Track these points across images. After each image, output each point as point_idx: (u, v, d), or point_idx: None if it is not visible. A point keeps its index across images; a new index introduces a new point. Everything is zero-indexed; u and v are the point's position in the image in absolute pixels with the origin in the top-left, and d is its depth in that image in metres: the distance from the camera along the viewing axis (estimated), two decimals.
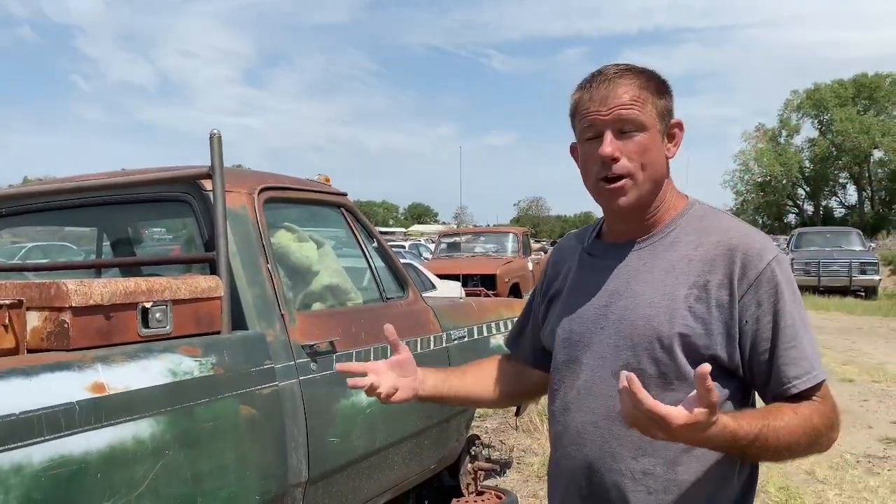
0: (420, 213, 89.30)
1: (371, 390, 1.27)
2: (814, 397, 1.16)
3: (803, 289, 16.22)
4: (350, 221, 2.92)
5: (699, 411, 0.99)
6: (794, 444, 1.12)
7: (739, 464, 1.20)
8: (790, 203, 47.76)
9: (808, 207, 47.60)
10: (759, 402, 1.26)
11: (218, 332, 2.07)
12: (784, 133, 45.64)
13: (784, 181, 43.80)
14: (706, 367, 0.95)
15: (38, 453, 1.50)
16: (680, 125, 1.25)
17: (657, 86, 1.22)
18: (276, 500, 2.13)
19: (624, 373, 1.01)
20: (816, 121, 44.89)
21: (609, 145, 1.17)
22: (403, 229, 45.57)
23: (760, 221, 47.86)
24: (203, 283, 2.01)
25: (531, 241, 14.10)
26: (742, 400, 1.22)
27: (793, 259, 17.01)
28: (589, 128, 1.20)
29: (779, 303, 1.15)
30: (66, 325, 1.70)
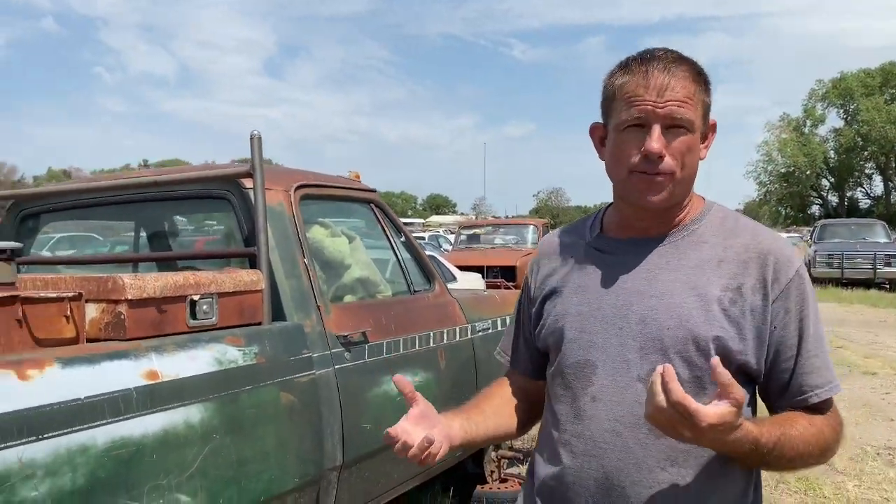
0: (439, 204, 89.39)
1: (403, 451, 1.13)
2: (827, 411, 1.16)
3: (826, 281, 16.11)
4: (379, 217, 3.02)
5: (727, 410, 0.95)
6: (807, 454, 1.11)
7: (755, 473, 1.18)
8: (814, 194, 47.12)
9: (833, 199, 46.96)
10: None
11: (259, 323, 2.18)
12: (808, 123, 45.00)
13: (808, 172, 43.20)
14: (717, 358, 0.95)
15: (101, 435, 1.62)
16: (714, 127, 1.21)
17: (705, 81, 1.16)
18: (312, 483, 2.25)
19: (661, 366, 0.97)
20: (842, 110, 44.20)
21: (657, 141, 1.10)
22: (421, 220, 45.67)
23: (783, 213, 47.30)
24: (246, 277, 2.13)
25: None
26: (754, 407, 1.20)
27: (816, 251, 16.86)
28: (637, 118, 1.12)
29: (804, 310, 1.14)
30: (122, 317, 1.82)
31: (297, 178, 2.61)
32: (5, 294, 1.73)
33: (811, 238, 18.26)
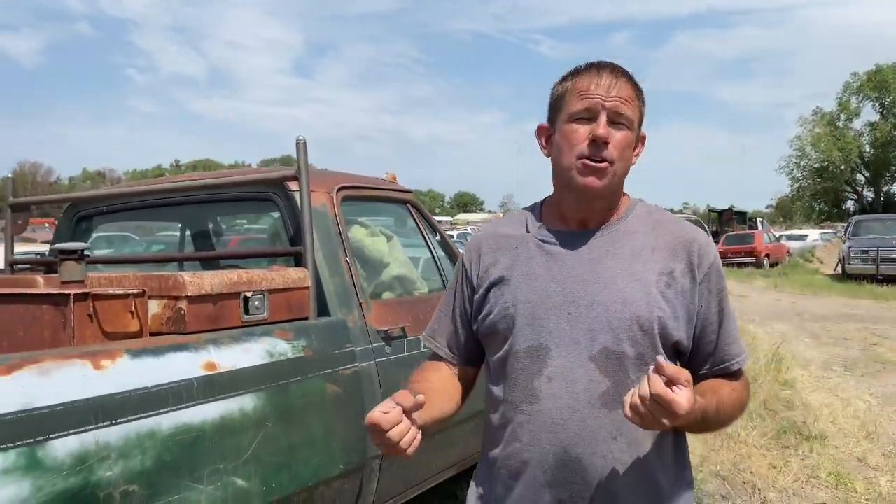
0: (466, 202, 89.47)
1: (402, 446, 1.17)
2: (741, 376, 1.34)
3: (861, 277, 15.86)
4: (415, 216, 3.13)
5: (690, 393, 1.07)
6: (734, 415, 1.30)
7: (682, 435, 1.34)
8: (849, 189, 46.17)
9: (868, 193, 45.92)
10: None
11: (306, 318, 2.30)
12: (843, 117, 44.10)
13: (842, 167, 42.39)
14: (662, 358, 1.07)
15: (167, 421, 1.75)
16: (644, 140, 1.34)
17: (642, 95, 1.31)
18: (356, 471, 2.36)
19: (659, 357, 1.08)
20: (878, 103, 43.25)
21: (604, 128, 1.24)
22: (449, 218, 45.76)
23: (817, 208, 46.46)
24: (293, 275, 2.25)
25: None
26: None
27: (850, 247, 16.60)
28: (586, 109, 1.25)
29: (722, 292, 1.31)
30: (182, 312, 1.95)
31: (339, 180, 2.72)
32: (79, 291, 1.87)
33: (845, 234, 17.98)
